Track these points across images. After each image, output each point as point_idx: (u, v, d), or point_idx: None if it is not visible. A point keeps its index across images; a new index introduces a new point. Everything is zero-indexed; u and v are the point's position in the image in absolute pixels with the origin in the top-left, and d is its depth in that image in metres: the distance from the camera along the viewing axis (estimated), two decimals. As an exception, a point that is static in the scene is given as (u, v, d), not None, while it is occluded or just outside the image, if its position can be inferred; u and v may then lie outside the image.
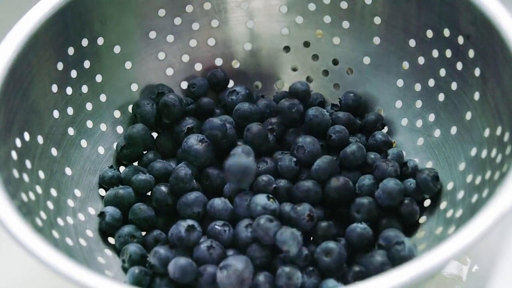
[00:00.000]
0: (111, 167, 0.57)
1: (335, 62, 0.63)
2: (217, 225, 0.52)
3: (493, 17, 0.49)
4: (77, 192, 0.55)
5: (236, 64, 0.65)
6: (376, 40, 0.60)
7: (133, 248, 0.52)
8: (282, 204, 0.52)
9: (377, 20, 0.59)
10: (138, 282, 0.49)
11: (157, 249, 0.50)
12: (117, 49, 0.59)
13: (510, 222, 0.56)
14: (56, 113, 0.55)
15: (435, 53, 0.56)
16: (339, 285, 0.48)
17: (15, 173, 0.48)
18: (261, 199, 0.51)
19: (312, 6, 0.61)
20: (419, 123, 0.58)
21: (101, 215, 0.54)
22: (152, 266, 0.50)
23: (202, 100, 0.61)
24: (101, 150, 0.58)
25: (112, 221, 0.54)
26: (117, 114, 0.60)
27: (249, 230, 0.51)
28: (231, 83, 0.64)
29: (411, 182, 0.54)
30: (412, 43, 0.58)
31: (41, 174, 0.51)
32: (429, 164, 0.56)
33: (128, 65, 0.60)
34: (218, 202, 0.53)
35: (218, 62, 0.64)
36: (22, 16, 0.52)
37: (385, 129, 0.60)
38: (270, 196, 0.52)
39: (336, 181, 0.52)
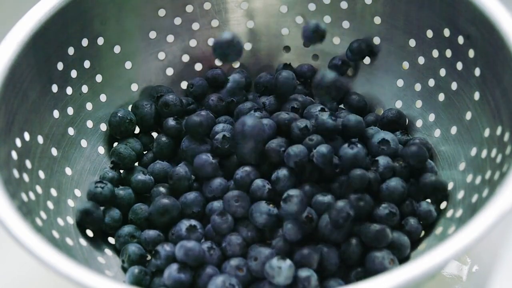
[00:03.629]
0: (112, 167, 0.57)
1: (335, 62, 0.63)
2: (217, 216, 0.51)
3: (493, 17, 0.49)
4: (77, 192, 0.55)
5: (236, 64, 0.65)
6: (376, 40, 0.60)
7: (132, 248, 0.52)
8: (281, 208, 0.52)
9: (377, 20, 0.59)
10: (137, 282, 0.50)
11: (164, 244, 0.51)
12: (117, 49, 0.59)
13: (510, 222, 0.56)
14: (56, 113, 0.55)
15: (435, 53, 0.56)
16: (342, 286, 0.48)
17: (15, 173, 0.48)
18: (262, 207, 0.51)
19: (312, 6, 0.61)
20: (419, 123, 0.58)
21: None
22: (157, 254, 0.50)
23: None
24: (101, 150, 0.58)
25: (111, 222, 0.54)
26: (117, 114, 0.60)
27: (249, 228, 0.51)
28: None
29: (411, 182, 0.54)
30: (412, 43, 0.58)
31: (41, 174, 0.51)
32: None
33: (128, 65, 0.60)
34: (217, 205, 0.53)
35: (218, 62, 0.64)
36: (22, 16, 0.52)
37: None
38: (269, 202, 0.52)
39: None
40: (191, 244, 0.48)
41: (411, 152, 0.53)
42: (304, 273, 0.47)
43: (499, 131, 0.49)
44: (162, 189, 0.55)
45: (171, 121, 0.58)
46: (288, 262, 0.47)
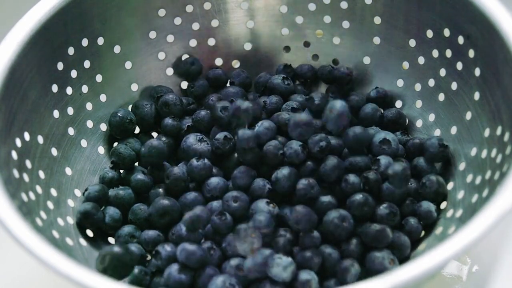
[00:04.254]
0: (112, 167, 0.57)
1: (335, 62, 0.63)
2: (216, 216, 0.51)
3: (493, 17, 0.49)
4: (77, 192, 0.55)
5: (236, 64, 0.65)
6: (376, 40, 0.60)
7: (132, 248, 0.52)
8: (281, 207, 0.52)
9: (377, 20, 0.59)
10: (138, 282, 0.49)
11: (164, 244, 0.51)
12: (117, 49, 0.59)
13: (510, 222, 0.56)
14: (56, 113, 0.55)
15: (435, 53, 0.56)
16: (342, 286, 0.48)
17: (15, 173, 0.48)
18: (262, 207, 0.51)
19: (312, 6, 0.61)
20: (419, 123, 0.58)
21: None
22: (157, 254, 0.50)
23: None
24: (101, 150, 0.58)
25: (111, 222, 0.54)
26: (117, 114, 0.60)
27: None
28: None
29: (412, 182, 0.54)
30: (412, 43, 0.58)
31: (41, 174, 0.51)
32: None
33: (128, 65, 0.60)
34: (217, 205, 0.53)
35: (218, 62, 0.64)
36: (22, 16, 0.52)
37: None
38: (269, 201, 0.52)
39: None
40: (192, 247, 0.48)
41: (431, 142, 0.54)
42: (304, 276, 0.47)
43: (499, 131, 0.49)
44: (160, 190, 0.55)
45: (168, 120, 0.58)
46: (290, 258, 0.47)
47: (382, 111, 0.58)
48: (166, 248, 0.50)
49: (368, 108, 0.58)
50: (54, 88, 0.54)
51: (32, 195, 0.49)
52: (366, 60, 0.61)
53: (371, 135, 0.54)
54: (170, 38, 0.62)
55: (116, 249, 0.47)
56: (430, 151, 0.54)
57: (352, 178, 0.51)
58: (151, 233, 0.53)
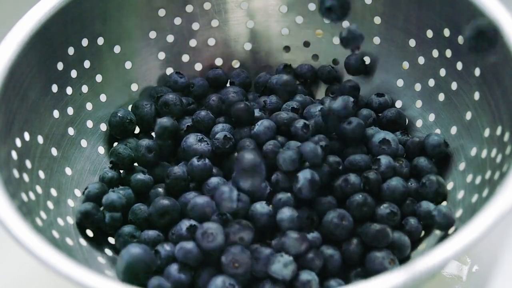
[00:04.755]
0: (111, 167, 0.57)
1: (335, 62, 0.63)
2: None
3: (493, 17, 0.49)
4: (77, 192, 0.55)
5: (236, 64, 0.65)
6: (376, 40, 0.60)
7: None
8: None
9: (377, 20, 0.59)
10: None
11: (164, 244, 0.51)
12: (117, 49, 0.59)
13: (510, 222, 0.56)
14: (56, 113, 0.55)
15: (435, 53, 0.56)
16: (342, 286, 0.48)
17: (15, 173, 0.48)
18: (262, 208, 0.51)
19: (312, 6, 0.61)
20: (419, 123, 0.58)
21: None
22: (157, 254, 0.50)
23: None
24: (101, 150, 0.58)
25: (111, 222, 0.54)
26: (117, 114, 0.60)
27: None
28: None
29: (412, 182, 0.54)
30: (412, 43, 0.58)
31: (41, 174, 0.51)
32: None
33: (128, 65, 0.60)
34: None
35: (218, 62, 0.64)
36: (22, 16, 0.52)
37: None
38: (269, 203, 0.51)
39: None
40: (190, 245, 0.48)
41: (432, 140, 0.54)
42: (305, 276, 0.47)
43: (499, 131, 0.49)
44: (160, 190, 0.55)
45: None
46: (291, 257, 0.47)
47: (375, 116, 0.58)
48: (165, 248, 0.50)
49: (363, 111, 0.58)
50: (54, 88, 0.54)
51: (32, 195, 0.49)
52: (366, 60, 0.61)
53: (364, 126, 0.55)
54: (170, 38, 0.62)
55: (136, 249, 0.46)
56: (431, 144, 0.54)
57: (352, 178, 0.51)
58: (151, 233, 0.53)
